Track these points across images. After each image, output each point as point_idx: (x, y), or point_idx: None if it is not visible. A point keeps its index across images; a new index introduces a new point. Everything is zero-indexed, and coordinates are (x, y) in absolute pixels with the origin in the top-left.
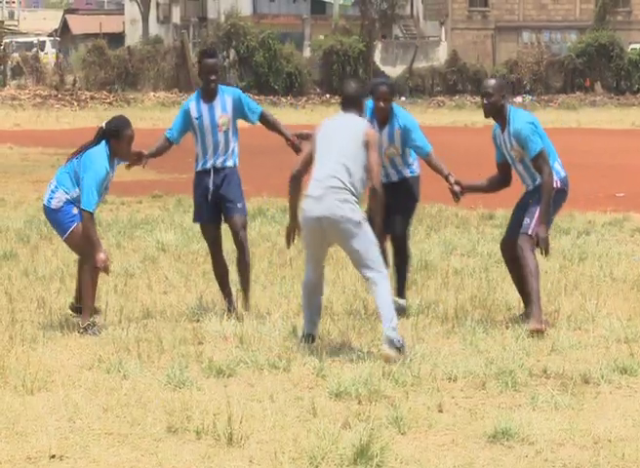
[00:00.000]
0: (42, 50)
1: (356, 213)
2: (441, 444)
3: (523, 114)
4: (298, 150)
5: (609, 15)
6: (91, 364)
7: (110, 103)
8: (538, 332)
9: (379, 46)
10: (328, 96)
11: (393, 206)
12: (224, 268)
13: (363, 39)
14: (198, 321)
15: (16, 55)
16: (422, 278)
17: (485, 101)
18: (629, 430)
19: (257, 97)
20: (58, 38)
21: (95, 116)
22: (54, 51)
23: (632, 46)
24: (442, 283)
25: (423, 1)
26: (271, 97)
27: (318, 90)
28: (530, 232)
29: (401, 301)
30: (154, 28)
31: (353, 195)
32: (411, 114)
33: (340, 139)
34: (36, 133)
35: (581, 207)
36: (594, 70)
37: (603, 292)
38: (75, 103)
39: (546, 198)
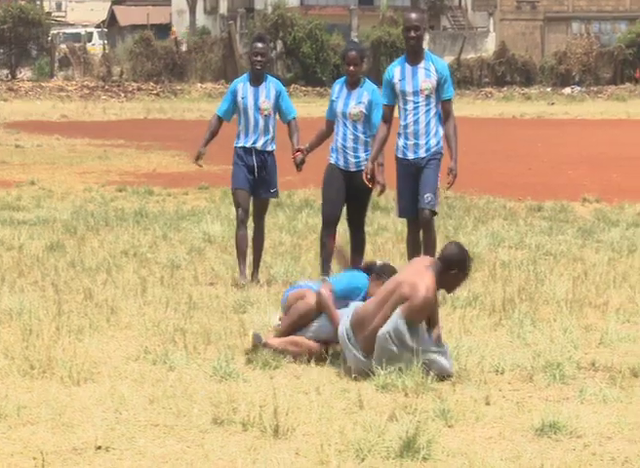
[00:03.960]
0: (89, 41)
1: None
2: (488, 436)
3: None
4: (297, 165)
5: None
6: (137, 355)
7: (157, 95)
8: None
9: (426, 37)
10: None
11: (352, 196)
12: (247, 239)
13: None
14: (244, 312)
15: (63, 46)
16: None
17: (413, 34)
18: None
19: (304, 89)
20: (105, 29)
21: (142, 107)
22: (101, 42)
23: None
24: (489, 275)
25: None
26: (318, 89)
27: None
28: (436, 209)
29: None
30: (201, 19)
31: None
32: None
33: None
34: (83, 124)
35: (631, 198)
36: None
37: None
38: (122, 95)
39: (456, 137)
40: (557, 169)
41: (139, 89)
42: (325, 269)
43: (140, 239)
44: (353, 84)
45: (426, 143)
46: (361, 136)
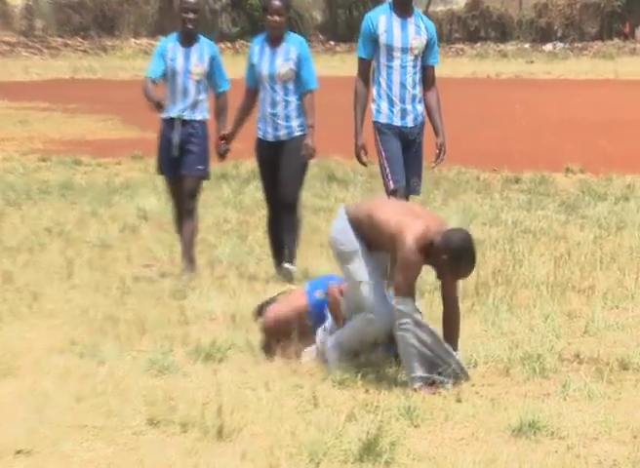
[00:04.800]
0: None
1: None
2: (459, 438)
3: None
4: (219, 153)
5: None
6: (62, 347)
7: (85, 51)
8: None
9: None
10: (332, 43)
11: (282, 167)
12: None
13: None
14: (184, 298)
15: None
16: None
17: None
18: None
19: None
20: None
21: (68, 66)
22: None
23: None
24: None
25: None
26: None
27: (321, 36)
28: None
29: (291, 267)
30: None
31: None
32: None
33: None
34: (2, 84)
35: (620, 169)
36: (634, 14)
37: None
38: (46, 51)
39: (440, 109)
40: (537, 135)
41: (64, 45)
42: (278, 260)
43: (66, 215)
44: (276, 39)
45: (414, 110)
46: (292, 100)
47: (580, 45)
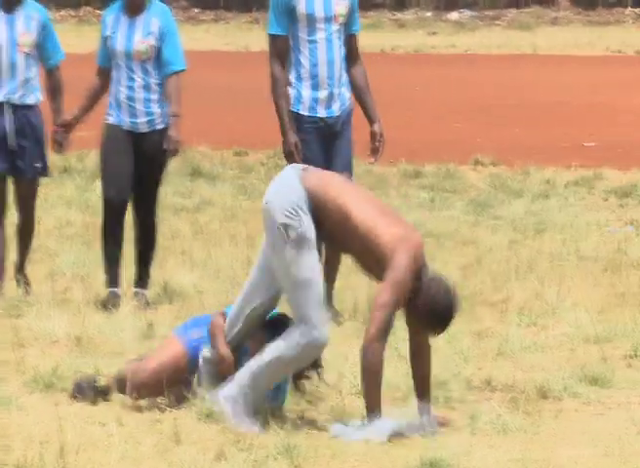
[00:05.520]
0: None
1: None
2: None
3: None
4: (58, 143)
5: None
6: None
7: None
8: None
9: None
10: (197, 10)
11: (142, 167)
12: (4, 240)
13: None
14: (19, 316)
15: None
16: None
17: None
18: (600, 460)
19: (99, 13)
20: None
21: None
22: None
23: None
24: (350, 265)
25: None
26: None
27: (183, 2)
28: None
29: (144, 292)
30: None
31: None
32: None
33: None
34: None
35: (539, 161)
36: None
37: (567, 276)
38: None
39: (369, 87)
40: (440, 120)
41: None
42: (113, 273)
43: None
44: (135, 7)
45: (340, 96)
46: (153, 83)
47: (491, 13)
